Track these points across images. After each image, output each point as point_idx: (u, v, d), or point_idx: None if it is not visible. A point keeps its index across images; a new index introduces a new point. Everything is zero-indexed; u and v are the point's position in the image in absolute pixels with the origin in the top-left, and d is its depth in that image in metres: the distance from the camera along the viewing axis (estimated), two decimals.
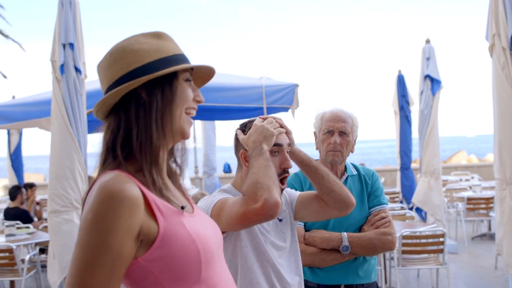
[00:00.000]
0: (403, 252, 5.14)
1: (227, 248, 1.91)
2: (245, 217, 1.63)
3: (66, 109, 4.81)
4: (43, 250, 6.51)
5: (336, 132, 2.54)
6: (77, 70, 4.89)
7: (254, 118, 2.01)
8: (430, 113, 7.54)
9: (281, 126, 1.94)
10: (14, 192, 7.24)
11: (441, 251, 5.15)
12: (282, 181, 1.97)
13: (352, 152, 2.61)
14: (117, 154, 1.25)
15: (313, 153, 2.37)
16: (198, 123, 10.53)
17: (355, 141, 2.62)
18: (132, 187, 1.18)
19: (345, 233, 2.46)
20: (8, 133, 10.17)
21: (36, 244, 6.26)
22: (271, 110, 6.48)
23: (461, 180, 12.42)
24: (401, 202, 8.83)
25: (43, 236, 5.89)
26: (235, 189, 2.04)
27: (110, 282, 1.13)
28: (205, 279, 1.25)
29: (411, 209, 7.85)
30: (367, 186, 2.62)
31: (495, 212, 5.22)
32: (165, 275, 1.20)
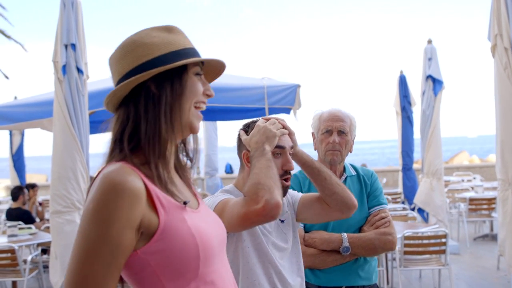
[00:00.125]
0: (405, 252, 5.13)
1: (228, 248, 1.90)
2: (246, 217, 1.63)
3: (68, 109, 4.82)
4: (45, 251, 6.51)
5: (335, 132, 2.53)
6: (79, 70, 4.90)
7: (257, 118, 2.01)
8: (432, 113, 7.53)
9: (284, 127, 1.94)
10: (16, 193, 7.25)
11: (443, 252, 5.14)
12: (285, 180, 1.97)
13: (350, 152, 2.60)
14: (124, 146, 1.26)
15: (313, 154, 2.36)
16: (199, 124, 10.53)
17: (353, 140, 2.61)
18: (135, 179, 1.19)
19: (345, 234, 2.45)
20: (10, 134, 10.19)
21: (38, 244, 6.26)
22: (273, 110, 6.48)
23: (463, 180, 12.40)
24: (403, 202, 8.82)
25: (45, 237, 5.90)
26: (237, 190, 2.04)
27: (109, 272, 1.14)
28: (203, 276, 1.25)
29: (413, 209, 7.84)
30: (366, 187, 2.60)
31: (497, 212, 5.21)
32: (162, 269, 1.20)
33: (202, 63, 1.38)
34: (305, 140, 2.71)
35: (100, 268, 1.13)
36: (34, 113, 6.49)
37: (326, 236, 2.45)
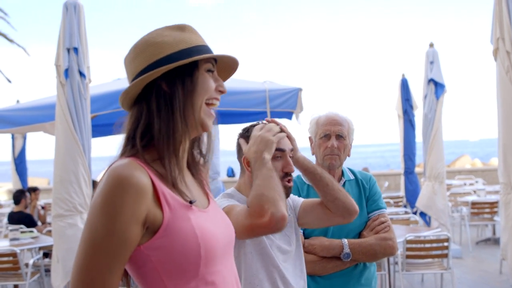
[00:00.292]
0: (407, 256, 5.12)
1: None
2: (251, 229, 1.64)
3: (71, 113, 4.83)
4: (47, 254, 6.51)
5: (333, 136, 2.50)
6: (82, 74, 4.91)
7: (256, 122, 2.00)
8: (434, 117, 7.52)
9: (282, 130, 1.92)
10: (18, 196, 7.26)
11: (446, 255, 5.13)
12: (288, 181, 1.97)
13: (349, 156, 2.58)
14: (136, 142, 1.28)
15: (311, 158, 2.35)
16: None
17: (351, 144, 2.59)
18: (141, 175, 1.21)
19: (346, 240, 2.43)
20: (13, 138, 10.21)
21: (40, 248, 6.27)
22: (275, 114, 6.47)
23: (465, 184, 12.38)
24: (405, 206, 8.81)
25: (47, 240, 5.90)
26: (239, 193, 2.05)
27: (114, 265, 1.17)
28: (203, 275, 1.25)
29: (415, 213, 7.82)
30: (365, 191, 2.59)
31: (499, 216, 5.21)
32: (163, 265, 1.22)
33: (215, 60, 1.38)
34: (307, 144, 2.70)
35: (105, 261, 1.16)
36: (36, 116, 6.50)
37: (326, 243, 2.42)
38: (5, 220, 7.53)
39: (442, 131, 7.56)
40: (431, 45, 7.82)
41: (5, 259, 5.37)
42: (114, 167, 1.21)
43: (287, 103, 6.51)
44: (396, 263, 5.51)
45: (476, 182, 13.18)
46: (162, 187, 1.24)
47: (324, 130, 2.52)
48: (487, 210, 8.25)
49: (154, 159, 1.28)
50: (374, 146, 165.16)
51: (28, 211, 7.51)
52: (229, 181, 15.46)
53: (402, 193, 9.29)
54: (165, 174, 1.27)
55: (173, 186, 1.27)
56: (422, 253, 5.21)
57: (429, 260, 5.37)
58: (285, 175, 1.97)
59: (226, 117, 6.83)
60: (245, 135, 2.00)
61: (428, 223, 7.70)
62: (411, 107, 9.13)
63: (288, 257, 2.00)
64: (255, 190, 1.67)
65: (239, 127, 2.11)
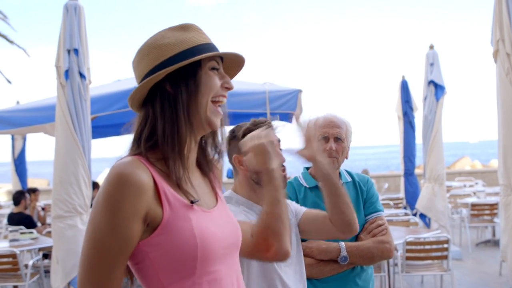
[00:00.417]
0: (407, 258, 5.12)
1: None
2: (251, 256, 1.63)
3: (71, 114, 4.83)
4: (46, 255, 6.51)
5: (331, 138, 2.47)
6: (82, 75, 4.91)
7: (244, 123, 2.01)
8: (434, 118, 7.53)
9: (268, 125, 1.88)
10: (18, 197, 7.25)
11: (445, 257, 5.13)
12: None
13: (346, 158, 2.56)
14: (141, 143, 1.30)
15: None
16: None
17: (349, 147, 2.57)
18: (142, 173, 1.23)
19: (343, 243, 2.41)
20: (12, 138, 10.21)
21: (40, 249, 6.26)
22: (275, 116, 6.47)
23: (465, 186, 12.39)
24: (405, 208, 8.81)
25: (46, 241, 5.90)
26: (236, 194, 2.06)
27: (116, 260, 1.20)
28: (200, 276, 1.26)
29: (415, 215, 7.82)
30: (362, 193, 2.57)
31: (499, 218, 5.21)
32: (159, 263, 1.24)
33: (221, 57, 1.38)
34: None
35: (107, 255, 1.19)
36: (37, 118, 6.50)
37: (323, 246, 2.40)
38: (5, 221, 7.53)
39: (442, 133, 7.57)
40: (431, 47, 7.83)
41: (5, 260, 5.37)
42: (115, 165, 1.24)
43: (287, 104, 6.51)
44: (396, 264, 5.51)
45: (476, 183, 13.19)
46: (164, 186, 1.26)
47: (322, 133, 2.50)
48: (487, 211, 8.25)
49: (158, 158, 1.30)
50: (374, 147, 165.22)
51: (27, 212, 7.50)
52: (229, 183, 15.44)
53: (402, 194, 9.29)
54: (169, 174, 1.28)
55: (178, 185, 1.28)
56: (422, 254, 5.21)
57: (429, 261, 5.37)
58: None
59: (225, 119, 6.83)
60: (233, 136, 2.00)
61: (428, 225, 7.69)
62: (411, 108, 9.14)
63: (288, 262, 1.99)
64: (261, 220, 1.59)
65: None
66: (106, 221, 1.19)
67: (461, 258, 7.64)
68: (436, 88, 7.60)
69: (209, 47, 1.35)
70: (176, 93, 1.30)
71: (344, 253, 2.39)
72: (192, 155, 1.38)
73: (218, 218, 1.36)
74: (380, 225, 2.49)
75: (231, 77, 1.43)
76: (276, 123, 1.97)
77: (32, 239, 6.09)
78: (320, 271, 2.40)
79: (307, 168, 2.62)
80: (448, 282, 5.92)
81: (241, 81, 7.66)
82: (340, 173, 2.59)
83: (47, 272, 6.04)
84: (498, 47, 4.37)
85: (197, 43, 1.34)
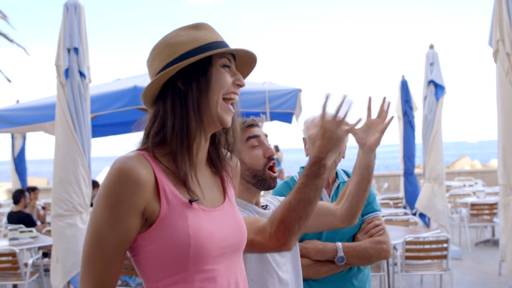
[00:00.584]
0: (407, 257, 5.12)
1: None
2: (250, 245, 1.55)
3: (70, 113, 4.83)
4: (46, 254, 6.51)
5: None
6: (82, 74, 4.91)
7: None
8: (434, 118, 7.53)
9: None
10: (17, 196, 7.25)
11: (445, 257, 5.13)
12: (271, 168, 1.94)
13: (343, 157, 2.54)
14: (149, 139, 1.32)
15: (305, 160, 2.32)
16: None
17: (346, 146, 2.53)
18: (142, 169, 1.24)
19: (340, 244, 2.40)
20: (12, 137, 10.21)
21: (39, 248, 6.26)
22: (274, 115, 6.48)
23: (464, 185, 12.39)
24: (404, 207, 8.81)
25: (46, 240, 5.90)
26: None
27: (115, 251, 1.24)
28: (192, 273, 1.27)
29: (414, 214, 7.83)
30: None
31: (499, 218, 5.20)
32: (153, 257, 1.27)
33: (233, 55, 1.39)
34: (302, 145, 2.68)
35: (106, 247, 1.23)
36: (36, 116, 6.51)
37: (320, 247, 2.39)
38: (5, 219, 7.53)
39: (442, 133, 7.57)
40: (431, 46, 7.83)
41: (4, 258, 5.37)
42: (118, 160, 1.26)
43: (286, 104, 6.52)
44: (395, 264, 5.51)
45: (476, 183, 13.19)
46: (165, 183, 1.27)
47: None
48: (487, 211, 8.25)
49: (165, 153, 1.31)
50: None
51: (27, 210, 7.50)
52: None
53: (401, 194, 9.29)
54: (174, 170, 1.30)
55: (183, 182, 1.30)
56: (421, 254, 5.21)
57: (428, 261, 5.37)
58: (268, 160, 1.94)
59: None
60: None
61: (427, 224, 7.70)
62: (411, 108, 9.14)
63: (286, 260, 1.99)
64: (282, 210, 1.52)
65: None
66: (105, 213, 1.22)
67: (461, 258, 7.64)
68: (436, 88, 7.60)
69: (221, 44, 1.36)
70: (187, 89, 1.31)
71: (341, 253, 2.38)
72: (201, 152, 1.38)
73: (220, 217, 1.36)
74: (377, 225, 2.48)
75: (244, 76, 1.44)
76: (262, 122, 2.01)
77: (32, 237, 6.09)
78: (317, 271, 2.38)
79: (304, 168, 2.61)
80: (447, 282, 5.92)
81: None
82: (336, 173, 2.58)
83: (46, 271, 6.04)
84: (498, 47, 4.38)
85: (209, 41, 1.35)
